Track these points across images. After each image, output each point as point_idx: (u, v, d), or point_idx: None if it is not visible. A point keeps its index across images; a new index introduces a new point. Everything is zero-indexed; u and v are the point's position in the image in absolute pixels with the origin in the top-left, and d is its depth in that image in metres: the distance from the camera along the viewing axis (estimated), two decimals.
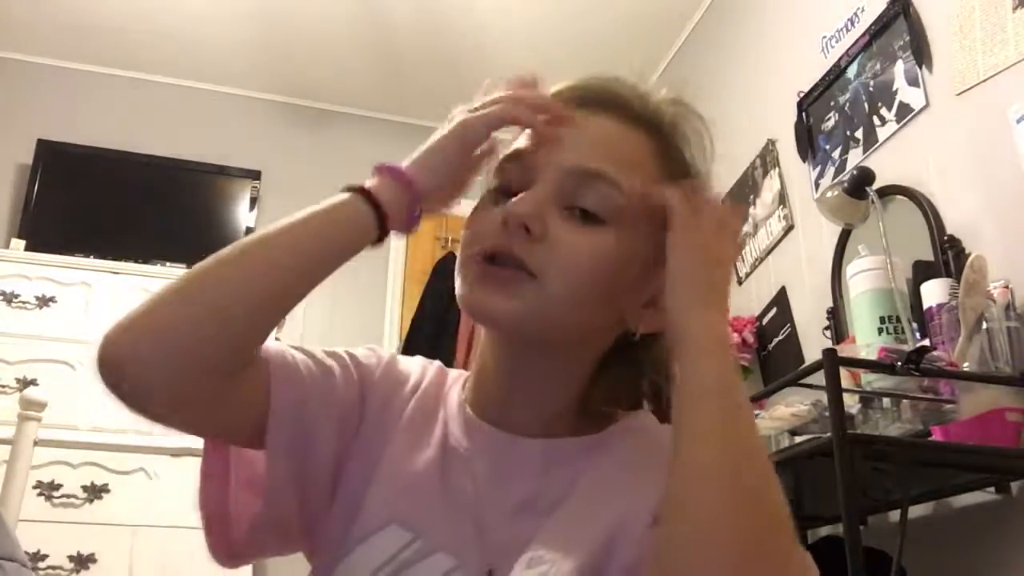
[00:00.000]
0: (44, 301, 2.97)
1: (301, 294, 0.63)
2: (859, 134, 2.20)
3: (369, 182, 0.66)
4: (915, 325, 1.76)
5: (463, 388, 0.75)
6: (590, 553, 0.60)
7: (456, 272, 0.67)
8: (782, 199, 2.53)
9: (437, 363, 0.79)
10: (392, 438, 0.70)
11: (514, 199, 0.65)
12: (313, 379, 0.66)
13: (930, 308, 1.70)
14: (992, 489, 1.64)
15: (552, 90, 0.73)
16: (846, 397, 1.51)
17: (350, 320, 3.58)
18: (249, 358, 0.62)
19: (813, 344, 2.23)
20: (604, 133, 0.68)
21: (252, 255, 0.62)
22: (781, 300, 2.47)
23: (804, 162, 2.44)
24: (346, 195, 0.65)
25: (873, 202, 1.91)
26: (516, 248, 0.63)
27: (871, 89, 2.18)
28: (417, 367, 0.77)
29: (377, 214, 0.64)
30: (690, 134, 0.72)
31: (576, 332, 0.68)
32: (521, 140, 0.69)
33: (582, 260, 0.64)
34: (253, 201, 3.57)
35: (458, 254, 0.69)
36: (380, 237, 0.65)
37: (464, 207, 0.74)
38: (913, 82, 2.02)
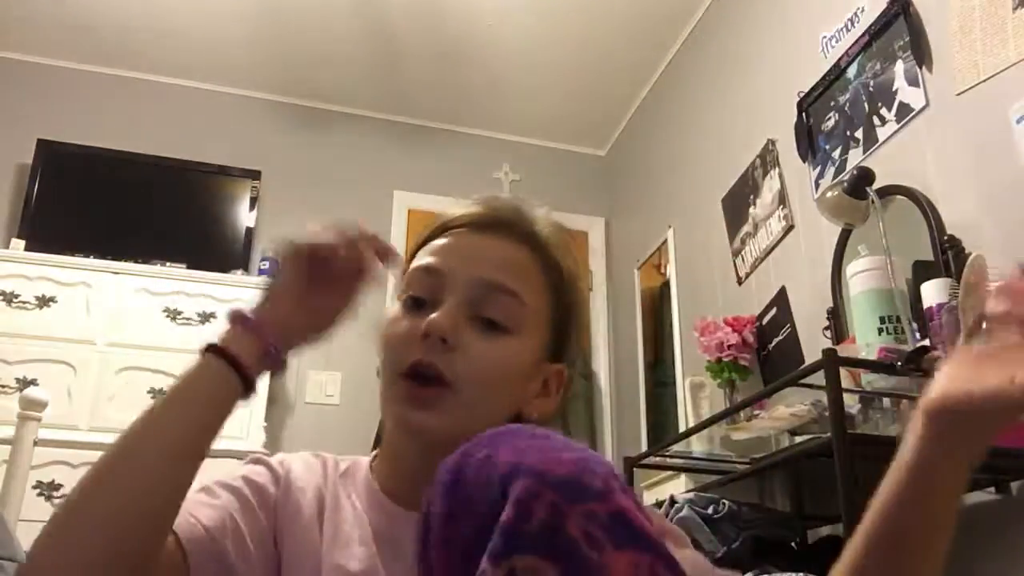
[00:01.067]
0: (44, 301, 2.97)
1: (189, 479, 0.64)
2: (859, 134, 2.20)
3: (220, 335, 0.68)
4: (915, 325, 1.76)
5: (371, 476, 0.78)
6: None
7: (384, 389, 0.73)
8: (782, 199, 2.53)
9: (319, 457, 0.80)
10: (317, 540, 0.72)
11: (434, 315, 0.71)
12: (225, 533, 0.68)
13: (930, 308, 1.70)
14: (992, 489, 1.64)
15: (455, 214, 0.79)
16: (846, 397, 1.52)
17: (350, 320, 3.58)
18: (159, 549, 0.63)
19: (813, 344, 2.23)
20: (502, 251, 0.76)
21: (124, 475, 0.62)
22: (781, 300, 2.47)
23: (804, 162, 2.44)
24: (202, 358, 0.67)
25: (873, 202, 1.91)
26: (436, 360, 0.70)
27: (871, 89, 2.18)
28: (305, 468, 0.78)
29: (236, 369, 0.66)
30: (562, 245, 0.80)
31: (484, 426, 0.70)
32: (429, 257, 0.77)
33: (491, 366, 0.72)
34: (253, 201, 3.57)
35: (382, 370, 0.74)
36: (248, 388, 0.67)
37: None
38: (913, 82, 2.02)
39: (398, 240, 3.77)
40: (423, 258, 0.77)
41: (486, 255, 0.76)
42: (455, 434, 0.66)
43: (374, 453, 0.82)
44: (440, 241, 0.78)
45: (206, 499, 0.69)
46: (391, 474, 0.77)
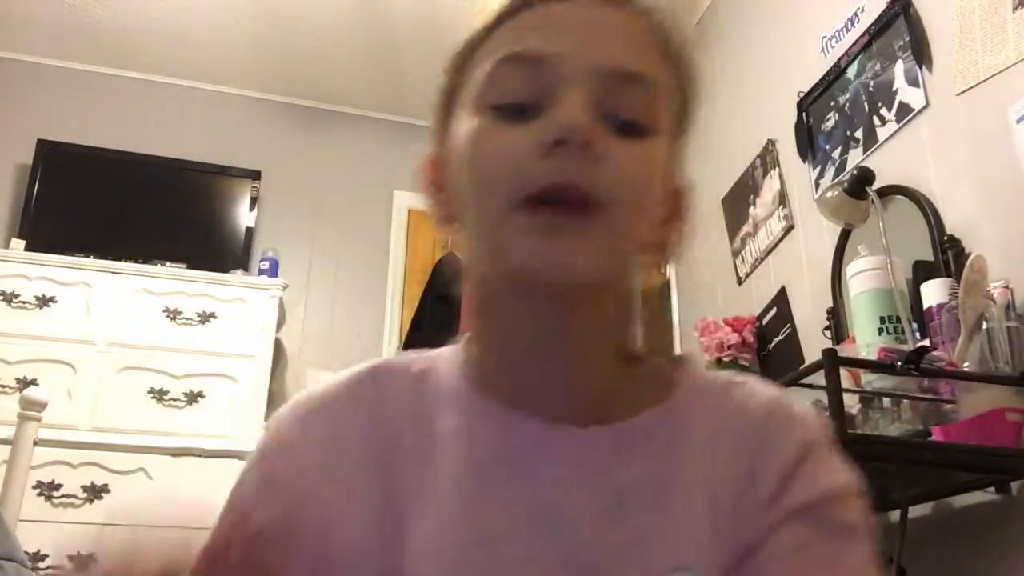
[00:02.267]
0: (44, 301, 2.97)
1: None
2: (859, 134, 2.20)
3: None
4: (915, 325, 1.76)
5: (464, 373, 0.59)
6: (721, 549, 0.52)
7: (487, 229, 0.53)
8: (782, 199, 2.53)
9: (369, 374, 0.60)
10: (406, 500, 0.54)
11: (560, 109, 0.51)
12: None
13: (930, 308, 1.70)
14: (992, 489, 1.64)
15: None
16: (846, 397, 1.51)
17: (350, 320, 3.58)
18: None
19: (813, 344, 2.23)
20: (626, 27, 0.56)
21: None
22: (781, 300, 2.47)
23: (804, 162, 2.43)
24: None
25: (873, 202, 1.91)
26: (580, 178, 0.51)
27: (871, 89, 2.18)
28: (335, 426, 0.57)
29: None
30: (684, 36, 0.61)
31: (632, 261, 0.58)
32: (521, 40, 0.54)
33: (644, 181, 0.54)
34: (253, 201, 3.57)
35: (470, 199, 0.54)
36: None
37: None
38: (913, 82, 2.02)
39: (398, 240, 3.77)
40: (511, 43, 0.54)
41: (604, 31, 0.55)
42: (607, 275, 0.54)
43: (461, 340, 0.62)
44: (530, 15, 0.55)
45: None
46: (499, 364, 0.57)
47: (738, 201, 2.79)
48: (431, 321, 3.05)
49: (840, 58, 2.30)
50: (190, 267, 3.26)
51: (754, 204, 2.69)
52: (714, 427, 0.56)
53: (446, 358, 0.61)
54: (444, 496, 0.53)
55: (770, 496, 0.53)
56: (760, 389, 0.59)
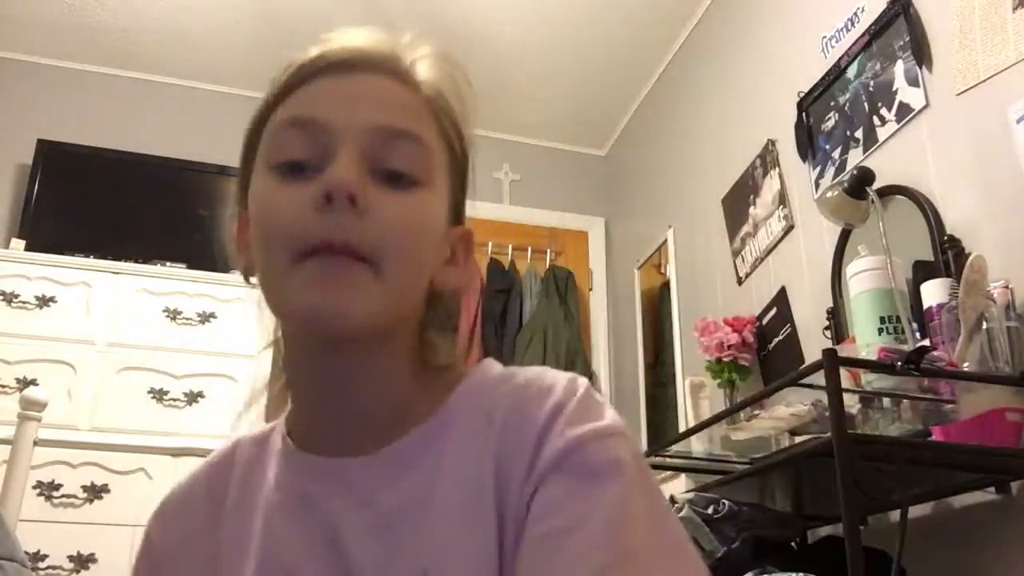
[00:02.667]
0: (44, 301, 2.97)
1: None
2: (859, 134, 2.20)
3: None
4: (915, 325, 1.76)
5: (284, 430, 0.66)
6: (478, 544, 0.55)
7: (276, 283, 0.58)
8: (782, 199, 2.53)
9: (228, 448, 0.69)
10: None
11: (332, 170, 0.56)
12: None
13: (930, 308, 1.70)
14: (992, 489, 1.64)
15: (314, 55, 0.64)
16: (846, 397, 1.51)
17: None
18: None
19: (813, 344, 2.23)
20: (390, 92, 0.62)
21: None
22: (781, 300, 2.47)
23: (804, 162, 2.44)
24: None
25: (873, 202, 1.91)
26: (349, 234, 0.56)
27: (871, 89, 2.18)
28: (185, 500, 0.68)
29: None
30: (450, 81, 0.67)
31: (408, 306, 0.62)
32: (299, 109, 0.61)
33: (411, 228, 0.59)
34: None
35: (259, 255, 0.60)
36: None
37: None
38: (913, 82, 2.02)
39: None
40: (291, 111, 0.61)
41: (374, 97, 0.61)
42: (383, 319, 0.58)
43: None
44: (307, 89, 0.61)
45: None
46: (296, 410, 0.65)
47: (738, 201, 2.79)
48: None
49: (840, 58, 2.30)
50: (190, 267, 3.25)
51: (754, 204, 2.69)
52: (473, 426, 0.59)
53: (280, 424, 0.67)
54: (255, 540, 0.61)
55: (528, 467, 0.55)
56: (523, 375, 0.61)
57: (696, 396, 2.68)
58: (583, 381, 0.60)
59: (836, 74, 2.32)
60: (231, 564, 0.61)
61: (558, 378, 0.60)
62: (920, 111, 1.99)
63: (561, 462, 0.54)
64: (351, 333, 0.57)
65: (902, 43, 2.07)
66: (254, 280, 0.62)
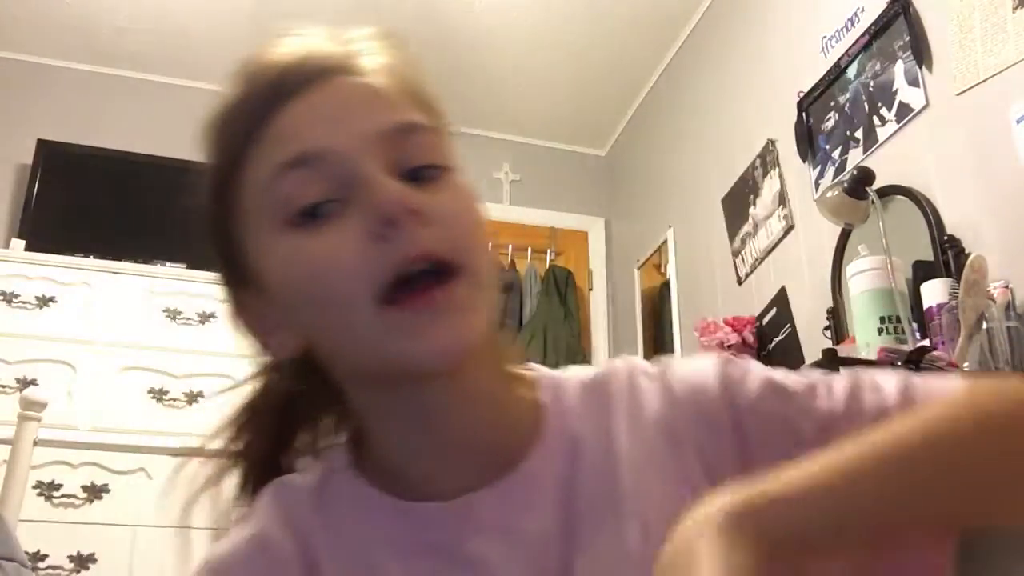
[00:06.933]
0: (44, 301, 2.97)
1: None
2: (859, 134, 2.20)
3: None
4: (915, 325, 1.76)
5: (358, 478, 0.57)
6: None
7: (348, 336, 0.51)
8: (782, 199, 2.53)
9: (275, 506, 0.57)
10: None
11: (380, 192, 0.50)
12: None
13: (930, 308, 1.70)
14: None
15: (260, 83, 0.57)
16: None
17: None
18: None
19: (813, 344, 2.23)
20: (369, 92, 0.55)
21: None
22: (781, 300, 2.47)
23: (804, 162, 2.44)
24: None
25: (873, 202, 1.91)
26: (425, 242, 0.50)
27: (871, 89, 2.18)
28: (264, 527, 0.56)
29: None
30: (407, 60, 0.63)
31: (495, 307, 0.56)
32: (284, 148, 0.52)
33: (472, 216, 0.54)
34: None
35: (313, 319, 0.52)
36: None
37: None
38: (913, 82, 2.02)
39: None
40: (276, 153, 0.52)
41: (358, 103, 0.54)
42: (488, 325, 0.53)
43: (340, 443, 0.61)
44: (280, 123, 0.53)
45: None
46: (387, 458, 0.56)
47: (738, 201, 2.79)
48: None
49: (840, 58, 2.30)
50: (190, 267, 3.25)
51: (754, 204, 2.69)
52: (606, 436, 0.57)
53: (335, 462, 0.59)
54: None
55: (731, 425, 0.55)
56: (631, 369, 0.60)
57: None
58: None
59: (836, 74, 2.32)
60: None
61: (693, 363, 0.60)
62: (920, 111, 1.99)
63: (761, 398, 0.55)
64: (467, 358, 0.51)
65: (902, 43, 2.07)
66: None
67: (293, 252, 0.51)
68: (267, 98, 0.54)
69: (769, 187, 2.61)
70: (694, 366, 0.59)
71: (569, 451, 0.56)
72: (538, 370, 0.62)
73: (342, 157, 0.51)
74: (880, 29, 2.15)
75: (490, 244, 0.56)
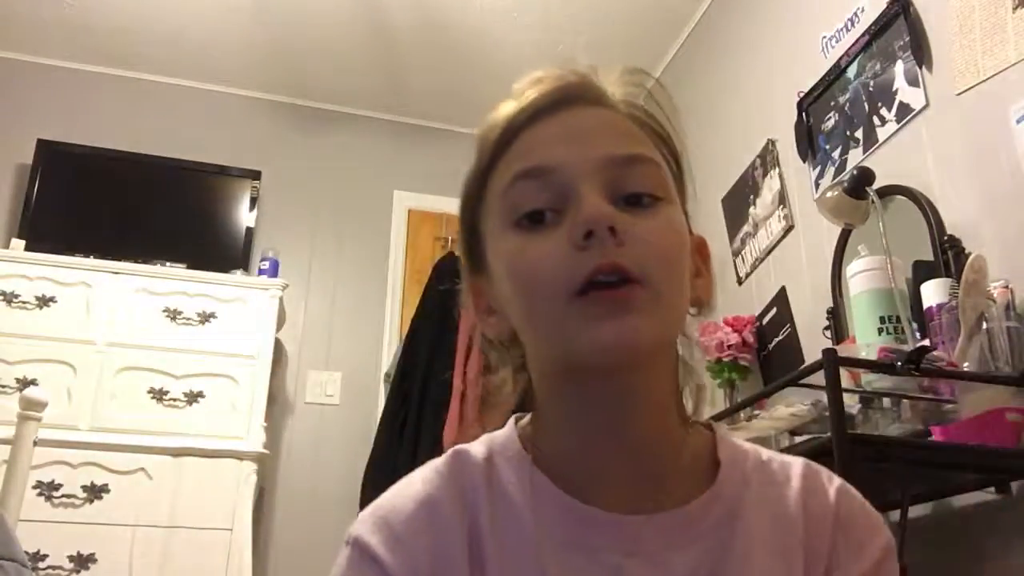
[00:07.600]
0: (44, 301, 2.97)
1: None
2: (859, 134, 2.20)
3: None
4: (915, 325, 1.76)
5: (532, 464, 0.62)
6: None
7: (545, 324, 0.58)
8: (782, 199, 2.53)
9: (447, 469, 0.63)
10: None
11: (582, 206, 0.57)
12: None
13: (930, 308, 1.70)
14: (992, 489, 1.64)
15: (522, 105, 0.64)
16: (846, 397, 1.51)
17: (350, 320, 3.58)
18: None
19: (813, 344, 2.23)
20: (604, 121, 0.63)
21: None
22: (781, 300, 2.47)
23: (804, 162, 2.44)
24: None
25: (873, 202, 1.91)
26: (616, 257, 0.56)
27: (871, 89, 2.18)
28: (424, 526, 0.60)
29: None
30: (650, 97, 0.69)
31: (679, 323, 0.62)
32: (524, 160, 0.61)
33: (669, 245, 0.60)
34: (253, 201, 3.57)
35: (522, 308, 0.60)
36: None
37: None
38: (913, 82, 2.02)
39: (398, 240, 3.77)
40: (516, 164, 0.61)
41: (592, 130, 0.62)
42: (661, 340, 0.59)
43: (518, 422, 0.65)
44: (524, 140, 0.62)
45: None
46: (566, 453, 0.61)
47: (738, 201, 2.79)
48: (431, 322, 3.05)
49: (840, 58, 2.30)
50: (190, 267, 3.25)
51: (754, 204, 2.69)
52: (767, 515, 0.61)
53: (502, 444, 0.64)
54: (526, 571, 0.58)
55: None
56: (810, 477, 0.64)
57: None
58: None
59: (836, 74, 2.32)
60: None
61: (870, 510, 0.64)
62: (920, 111, 1.99)
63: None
64: (640, 358, 0.58)
65: (902, 43, 2.07)
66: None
67: (514, 251, 0.60)
68: (521, 118, 0.63)
69: (769, 187, 2.61)
70: (872, 517, 0.63)
71: (731, 512, 0.60)
72: (719, 428, 0.67)
73: (566, 174, 0.59)
74: (880, 29, 2.15)
75: (687, 275, 0.62)
